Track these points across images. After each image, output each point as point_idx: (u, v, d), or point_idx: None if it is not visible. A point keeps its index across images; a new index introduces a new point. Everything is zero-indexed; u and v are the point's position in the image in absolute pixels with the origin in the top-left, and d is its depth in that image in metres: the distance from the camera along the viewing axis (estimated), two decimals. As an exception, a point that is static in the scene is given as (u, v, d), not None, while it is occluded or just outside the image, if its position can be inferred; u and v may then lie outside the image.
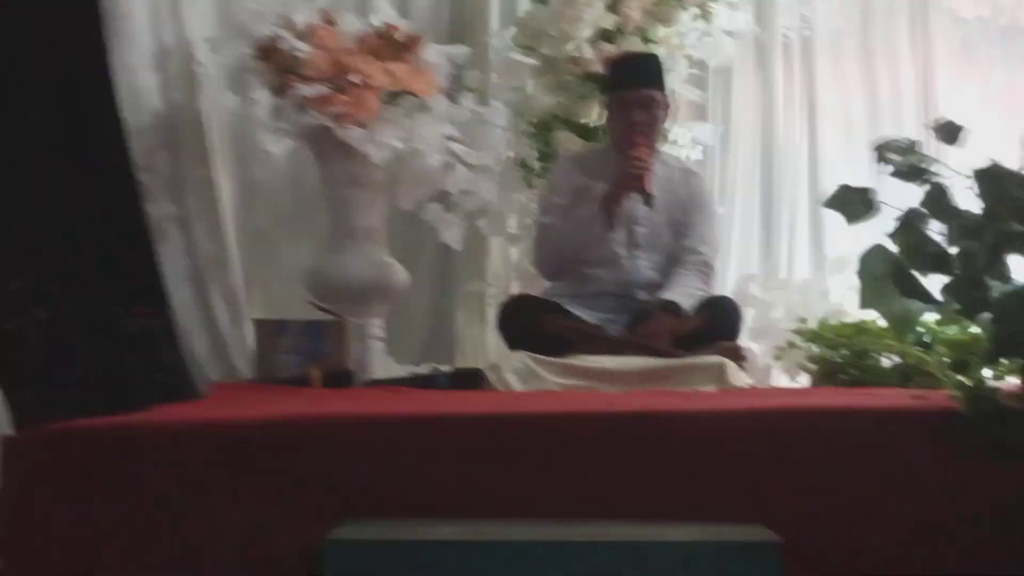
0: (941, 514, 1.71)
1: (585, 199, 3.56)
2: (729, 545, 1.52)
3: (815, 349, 3.61)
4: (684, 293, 3.44)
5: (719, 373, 2.87)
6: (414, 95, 3.96)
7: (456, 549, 1.52)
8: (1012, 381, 2.03)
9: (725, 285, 4.50)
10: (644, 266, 3.60)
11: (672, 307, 3.36)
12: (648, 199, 3.45)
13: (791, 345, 3.72)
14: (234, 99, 3.97)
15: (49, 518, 1.71)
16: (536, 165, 4.28)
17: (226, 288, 4.17)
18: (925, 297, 1.88)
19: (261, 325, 3.24)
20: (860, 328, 3.55)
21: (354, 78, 3.81)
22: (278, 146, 3.91)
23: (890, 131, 4.57)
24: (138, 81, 4.10)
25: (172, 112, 4.20)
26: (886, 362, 3.49)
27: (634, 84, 3.57)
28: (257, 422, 1.82)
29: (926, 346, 3.45)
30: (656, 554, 1.51)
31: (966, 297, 1.82)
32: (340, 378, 2.96)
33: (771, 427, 1.73)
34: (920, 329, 3.47)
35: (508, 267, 4.62)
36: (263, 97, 3.83)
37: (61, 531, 1.70)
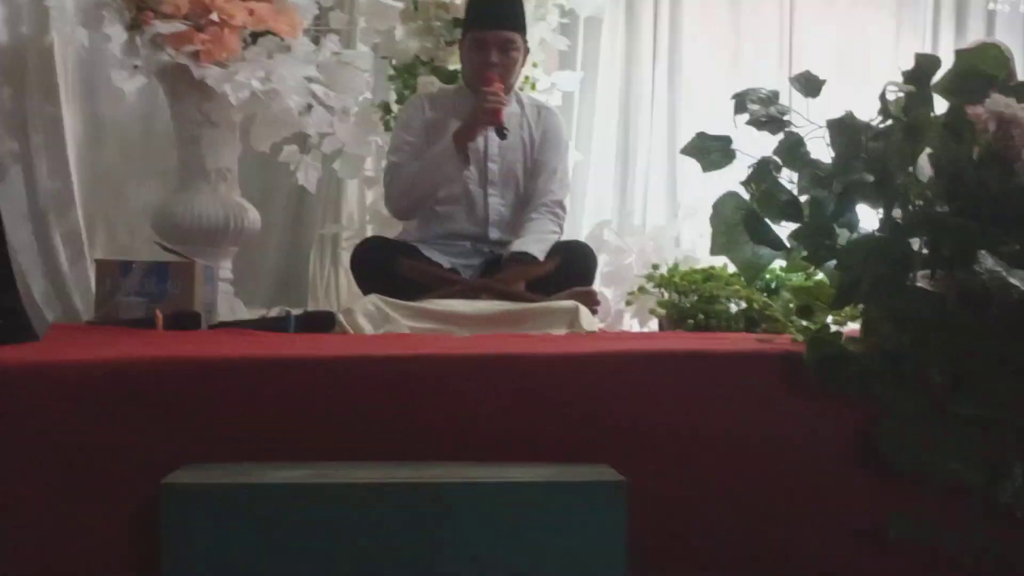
0: (786, 453, 1.74)
1: (437, 137, 3.53)
2: (571, 485, 1.52)
3: (665, 294, 3.67)
4: (536, 239, 3.44)
5: (572, 317, 2.87)
6: (276, 35, 3.87)
7: (293, 492, 1.49)
8: (853, 327, 2.09)
9: (580, 231, 4.54)
10: (498, 203, 3.60)
11: (525, 257, 3.36)
12: (502, 133, 3.42)
13: (642, 290, 3.77)
14: (85, 33, 3.83)
15: None
16: (396, 108, 4.23)
17: (67, 227, 4.05)
18: (775, 244, 1.90)
19: (102, 265, 3.12)
20: (709, 274, 3.62)
21: (214, 16, 3.70)
22: (130, 84, 3.78)
23: (752, 83, 4.67)
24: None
25: (18, 45, 4.05)
26: (734, 308, 3.56)
27: (493, 24, 3.52)
28: (92, 364, 1.74)
29: (772, 292, 3.55)
30: (498, 494, 1.50)
31: (813, 244, 1.85)
32: (186, 320, 2.87)
33: (617, 370, 1.73)
34: (767, 276, 3.57)
35: (363, 210, 4.59)
36: (116, 33, 3.70)
37: None
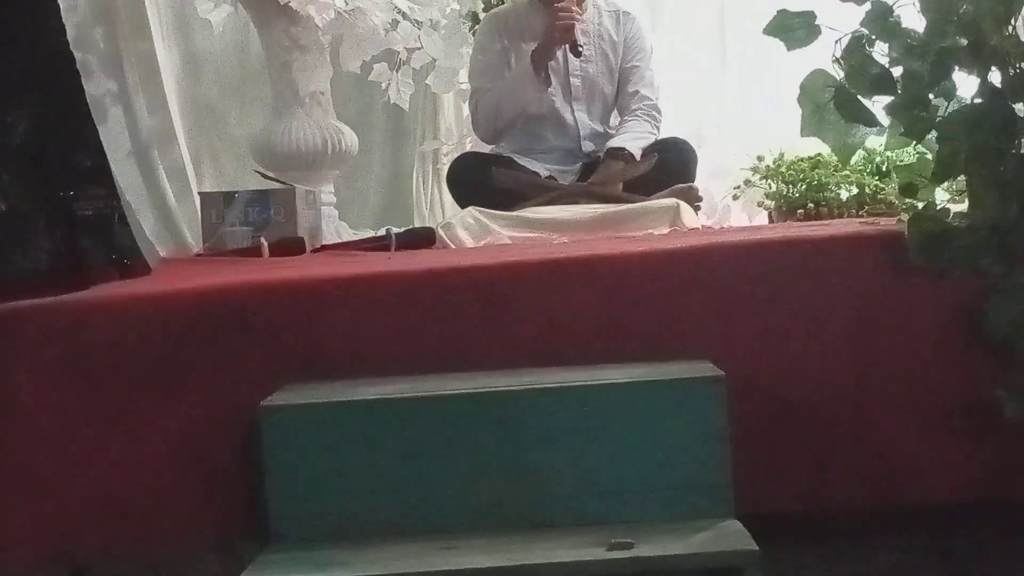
0: (887, 336, 1.69)
1: (515, 56, 3.48)
2: (669, 383, 1.50)
3: (772, 186, 3.58)
4: (633, 137, 3.39)
5: (672, 215, 2.83)
6: (356, -49, 3.84)
7: (391, 406, 1.50)
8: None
9: (679, 126, 4.44)
10: (585, 118, 3.55)
11: (621, 153, 3.31)
12: (577, 50, 3.35)
13: (747, 183, 3.69)
14: (171, -34, 3.85)
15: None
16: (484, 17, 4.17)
17: (172, 162, 4.09)
18: (869, 121, 1.83)
19: (207, 197, 3.17)
20: (816, 161, 3.52)
21: (293, -64, 3.68)
22: (216, 13, 3.79)
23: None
24: (69, -48, 3.97)
25: (106, -16, 4.08)
26: (844, 194, 3.47)
27: None
28: (194, 292, 1.77)
29: (884, 175, 3.43)
30: (597, 396, 1.49)
31: (910, 117, 1.77)
32: (290, 246, 2.91)
33: (707, 263, 1.70)
34: (876, 159, 3.45)
35: (461, 123, 4.55)
36: (199, -38, 3.71)
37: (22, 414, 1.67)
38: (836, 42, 1.83)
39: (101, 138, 4.02)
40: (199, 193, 3.38)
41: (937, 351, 1.68)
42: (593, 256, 1.74)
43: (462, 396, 1.51)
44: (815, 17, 1.88)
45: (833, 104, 1.80)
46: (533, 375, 1.59)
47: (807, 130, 1.85)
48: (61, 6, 3.93)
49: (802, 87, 1.83)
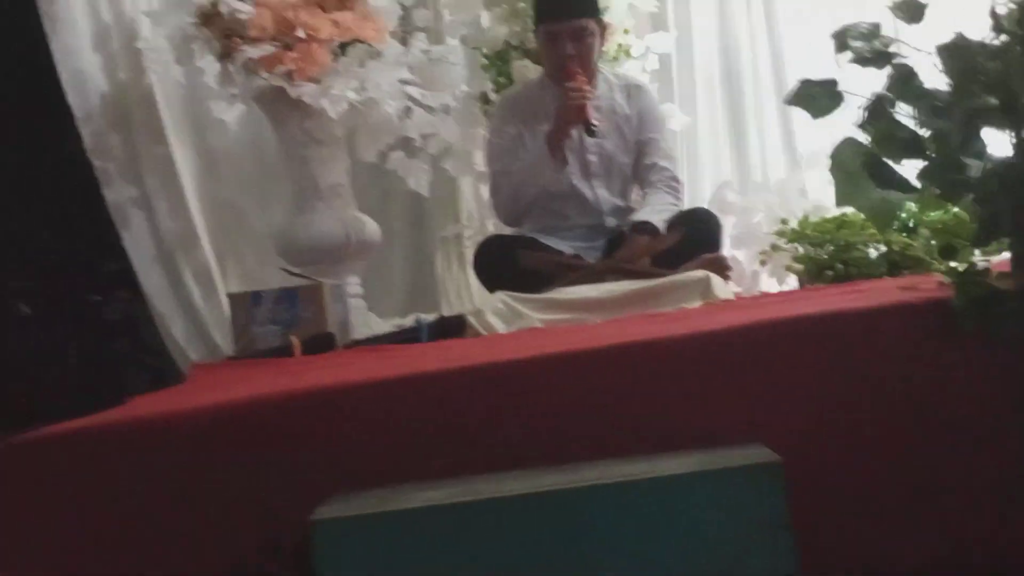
0: (942, 405, 1.65)
1: (530, 135, 3.50)
2: (726, 471, 1.45)
3: (800, 249, 3.56)
4: (656, 211, 3.39)
5: (704, 288, 2.81)
6: (364, 43, 3.87)
7: (445, 513, 1.46)
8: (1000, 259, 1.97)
9: (702, 196, 4.43)
10: (605, 193, 3.54)
11: (646, 227, 3.30)
12: (591, 131, 3.35)
13: (775, 248, 3.66)
14: (181, 70, 3.89)
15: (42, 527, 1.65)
16: (494, 97, 4.19)
17: (197, 264, 4.12)
18: (903, 186, 1.80)
19: (235, 299, 3.16)
20: (842, 222, 3.49)
21: (300, 33, 3.72)
22: (230, 112, 3.84)
23: (853, 12, 4.49)
24: (80, 64, 4.03)
25: (119, 91, 4.13)
26: (873, 253, 3.44)
27: (563, 15, 3.45)
28: (233, 405, 1.75)
29: (910, 231, 3.40)
30: (653, 490, 1.45)
31: (944, 180, 1.74)
32: (321, 343, 2.89)
33: (757, 341, 1.66)
34: (902, 215, 3.43)
35: (482, 206, 4.56)
36: (210, 65, 3.75)
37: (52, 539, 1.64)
38: (861, 108, 1.81)
39: (124, 243, 4.08)
40: (227, 294, 3.38)
41: (994, 417, 1.64)
42: (635, 343, 1.71)
43: (516, 498, 1.47)
44: (837, 84, 1.87)
45: (865, 172, 1.78)
46: (584, 470, 1.55)
47: (842, 200, 1.83)
48: (77, 116, 4.02)
49: (833, 157, 1.81)
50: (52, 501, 1.65)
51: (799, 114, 1.95)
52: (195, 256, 4.14)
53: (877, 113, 1.80)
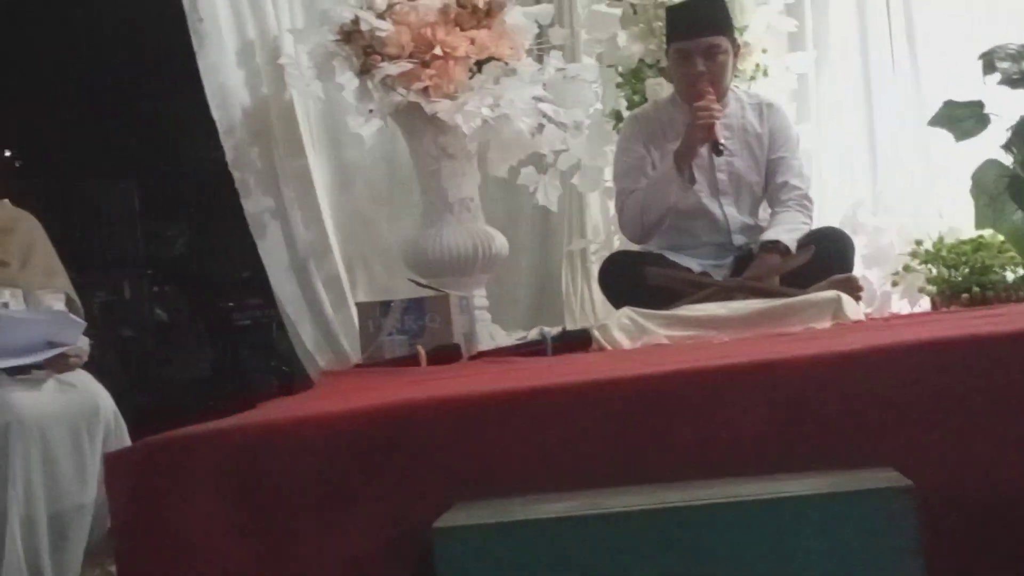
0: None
1: (658, 153, 3.49)
2: (855, 494, 1.43)
3: (933, 270, 3.48)
4: (787, 230, 3.34)
5: (834, 308, 2.76)
6: (500, 60, 3.91)
7: (567, 525, 1.46)
8: None
9: (833, 215, 4.36)
10: (734, 211, 3.51)
11: (776, 246, 3.26)
12: (718, 149, 3.32)
13: (907, 269, 3.59)
14: (321, 86, 3.98)
15: (169, 531, 1.69)
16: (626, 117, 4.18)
17: (328, 274, 4.20)
18: (1047, 209, 1.76)
19: (363, 308, 3.22)
20: (979, 244, 3.40)
21: (437, 50, 3.77)
22: (367, 127, 3.90)
23: (995, 35, 4.37)
24: (225, 79, 4.16)
25: (261, 106, 4.25)
26: (1010, 276, 3.35)
27: (695, 32, 3.43)
28: (362, 412, 1.78)
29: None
30: (779, 511, 1.43)
31: (1091, 204, 1.70)
32: (447, 354, 2.92)
33: (883, 365, 1.63)
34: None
35: (608, 221, 4.55)
36: (349, 81, 3.82)
37: (183, 544, 1.68)
38: (1007, 130, 1.77)
39: (260, 252, 4.19)
40: (356, 303, 3.44)
41: None
42: (763, 362, 1.69)
43: (638, 513, 1.47)
44: (983, 107, 1.83)
45: (1008, 194, 1.73)
46: (707, 488, 1.54)
47: (982, 222, 1.80)
48: (220, 129, 4.14)
49: (974, 178, 1.78)
50: (186, 501, 1.69)
51: (937, 134, 1.92)
52: (327, 266, 4.22)
53: (1023, 135, 1.76)
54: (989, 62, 1.81)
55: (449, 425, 1.71)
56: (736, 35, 3.58)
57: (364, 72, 3.83)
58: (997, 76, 1.82)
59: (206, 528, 1.66)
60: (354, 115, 3.91)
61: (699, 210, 3.50)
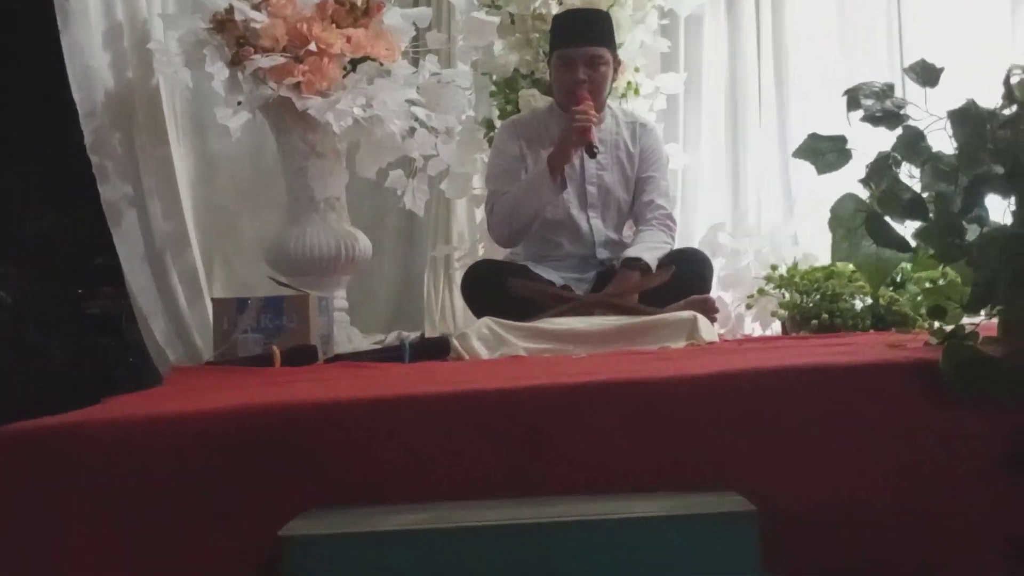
0: (925, 466, 1.63)
1: (532, 160, 3.51)
2: (699, 517, 1.44)
3: (786, 295, 3.57)
4: (649, 248, 3.39)
5: (690, 328, 2.80)
6: (375, 60, 3.87)
7: (415, 538, 1.45)
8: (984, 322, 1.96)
9: (694, 235, 4.44)
10: (600, 225, 3.55)
11: (637, 263, 3.30)
12: (592, 151, 3.35)
13: (761, 292, 3.68)
14: (189, 74, 3.89)
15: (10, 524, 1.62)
16: (499, 124, 4.19)
17: (185, 267, 4.10)
18: (901, 245, 1.80)
19: (219, 304, 3.14)
20: (830, 272, 3.51)
21: (312, 46, 3.72)
22: (235, 119, 3.83)
23: (861, 70, 4.51)
24: (89, 60, 4.03)
25: (125, 90, 4.13)
26: (859, 305, 3.45)
27: (579, 41, 3.47)
28: (216, 413, 1.72)
29: (898, 286, 3.42)
30: (624, 531, 1.44)
31: (942, 243, 1.74)
32: (302, 355, 2.87)
33: (736, 390, 1.65)
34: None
35: (474, 229, 4.56)
36: (219, 71, 3.74)
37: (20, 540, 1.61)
38: (866, 166, 1.82)
39: (115, 241, 4.07)
40: (212, 299, 3.36)
41: (980, 479, 1.62)
42: (622, 380, 1.69)
43: (486, 528, 1.45)
44: (846, 141, 1.87)
45: (865, 229, 1.78)
46: (559, 505, 1.54)
47: (838, 254, 1.83)
48: (80, 112, 4.01)
49: (833, 211, 1.81)
50: (22, 498, 1.62)
51: (798, 163, 1.96)
52: (184, 258, 4.13)
53: (881, 171, 1.81)
54: (854, 99, 1.85)
55: (300, 431, 1.67)
56: (617, 50, 3.62)
57: (235, 63, 3.75)
58: (860, 112, 1.85)
59: (38, 529, 1.59)
60: (222, 106, 3.84)
61: (566, 221, 3.53)
